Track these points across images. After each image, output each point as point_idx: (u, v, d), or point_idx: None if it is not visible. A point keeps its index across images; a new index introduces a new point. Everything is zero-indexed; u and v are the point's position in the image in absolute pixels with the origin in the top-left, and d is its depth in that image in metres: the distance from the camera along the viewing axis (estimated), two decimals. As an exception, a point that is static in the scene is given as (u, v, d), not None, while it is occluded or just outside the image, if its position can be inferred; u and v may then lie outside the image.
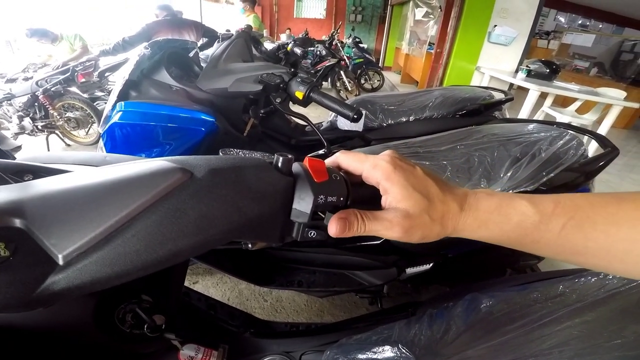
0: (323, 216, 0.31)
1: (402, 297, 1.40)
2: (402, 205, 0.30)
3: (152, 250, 0.24)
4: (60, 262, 0.22)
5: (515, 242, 0.32)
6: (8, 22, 5.49)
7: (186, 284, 1.57)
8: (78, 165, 0.50)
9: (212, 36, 3.12)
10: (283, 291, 1.56)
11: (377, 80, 6.19)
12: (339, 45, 5.86)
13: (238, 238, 0.29)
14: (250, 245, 0.33)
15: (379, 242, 0.92)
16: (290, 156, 0.31)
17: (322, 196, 0.29)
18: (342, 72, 5.16)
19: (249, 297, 1.54)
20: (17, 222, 0.22)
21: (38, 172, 0.42)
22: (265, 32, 6.15)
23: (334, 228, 0.30)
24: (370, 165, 0.32)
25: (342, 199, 0.31)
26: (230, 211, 0.27)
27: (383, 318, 0.78)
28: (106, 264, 0.23)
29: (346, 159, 0.34)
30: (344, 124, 1.49)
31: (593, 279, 0.52)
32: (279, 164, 0.31)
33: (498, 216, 0.31)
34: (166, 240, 0.25)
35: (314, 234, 0.31)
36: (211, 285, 1.60)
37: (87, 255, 0.23)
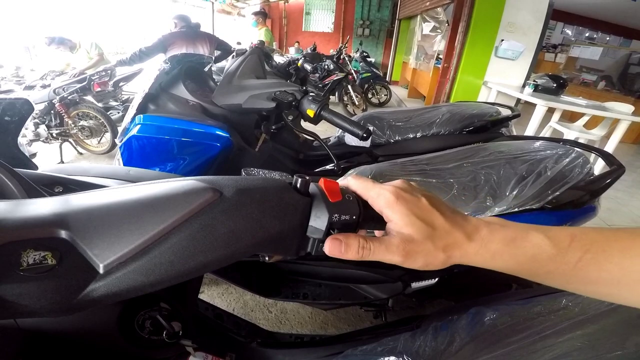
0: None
1: (407, 311, 1.40)
2: (405, 231, 0.32)
3: (184, 262, 0.27)
4: (101, 270, 0.25)
5: (528, 272, 0.33)
6: (27, 29, 5.67)
7: (193, 293, 1.58)
8: (104, 178, 0.53)
9: (224, 49, 3.22)
10: (288, 303, 1.56)
11: (385, 95, 6.22)
12: (346, 59, 5.93)
13: (260, 251, 0.32)
14: (267, 258, 0.36)
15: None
16: (307, 178, 0.34)
17: (336, 215, 0.32)
18: (349, 87, 5.18)
19: (254, 308, 1.55)
20: (63, 234, 0.25)
21: (67, 184, 0.46)
22: (274, 45, 6.27)
23: (327, 248, 0.32)
24: (375, 194, 0.34)
25: (354, 217, 0.33)
26: (255, 227, 0.30)
27: (388, 331, 0.79)
28: (142, 274, 0.26)
29: (355, 184, 0.36)
30: (351, 139, 1.51)
31: None
32: (298, 185, 0.34)
33: (513, 248, 0.32)
34: (198, 252, 0.27)
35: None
36: (217, 295, 1.61)
37: (126, 265, 0.25)
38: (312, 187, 0.35)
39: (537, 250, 0.32)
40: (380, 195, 0.34)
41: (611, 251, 0.30)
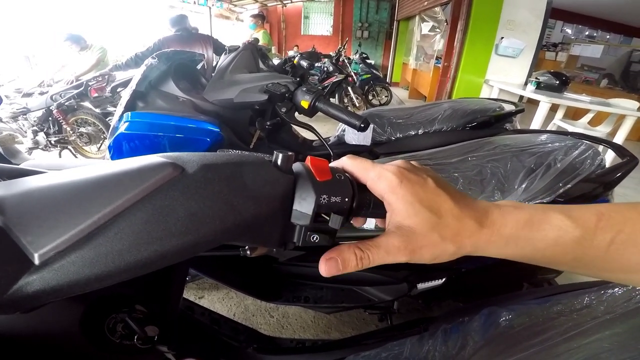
0: (327, 218, 0.28)
1: (413, 313, 1.35)
2: (406, 223, 0.28)
3: (136, 251, 0.22)
4: (36, 261, 0.20)
5: (551, 260, 0.28)
6: (27, 39, 5.70)
7: (192, 298, 1.55)
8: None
9: (222, 51, 3.16)
10: (289, 307, 1.52)
11: (385, 96, 6.18)
12: (346, 61, 5.91)
13: (233, 240, 0.27)
14: (249, 252, 0.31)
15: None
16: (290, 153, 0.29)
17: (324, 196, 0.27)
18: (349, 88, 5.14)
19: (255, 313, 1.51)
20: None
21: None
22: (273, 49, 6.26)
23: (323, 269, 0.28)
24: (375, 175, 0.29)
25: (347, 199, 0.29)
26: (223, 210, 0.25)
27: (393, 334, 0.75)
28: (85, 265, 0.21)
29: (352, 165, 0.31)
30: (351, 138, 1.47)
31: (620, 291, 0.49)
32: (279, 161, 0.29)
33: (530, 232, 0.28)
34: (152, 239, 0.23)
35: (316, 238, 0.29)
36: (217, 300, 1.58)
37: (66, 255, 0.21)
38: (297, 165, 0.30)
39: (559, 232, 0.27)
40: (381, 177, 0.29)
41: None
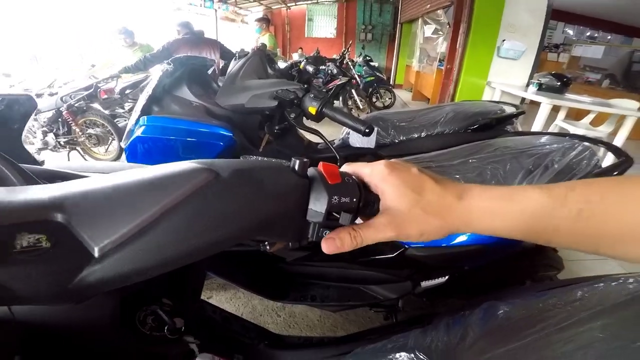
0: (338, 216, 0.33)
1: (418, 311, 1.37)
2: (394, 204, 0.33)
3: (179, 245, 0.26)
4: (96, 254, 0.24)
5: (534, 233, 0.31)
6: (34, 39, 5.74)
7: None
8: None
9: (228, 57, 3.23)
10: (296, 306, 1.54)
11: (389, 98, 6.17)
12: (349, 64, 5.92)
13: (257, 236, 0.31)
14: (268, 247, 0.35)
15: (392, 255, 0.92)
16: (306, 160, 0.34)
17: (335, 197, 0.31)
18: (353, 91, 5.18)
19: (263, 312, 1.53)
20: (58, 217, 0.24)
21: (68, 178, 0.45)
22: (278, 52, 6.30)
23: (324, 247, 0.33)
24: (369, 171, 0.35)
25: (354, 200, 0.33)
26: (250, 209, 0.29)
27: (398, 329, 0.77)
28: (138, 257, 0.25)
29: (349, 167, 0.37)
30: (355, 140, 1.51)
31: (613, 284, 0.51)
32: (296, 167, 0.33)
33: (509, 204, 0.31)
34: (192, 235, 0.26)
35: (327, 233, 0.33)
36: (225, 300, 1.60)
37: (121, 248, 0.24)
38: (311, 170, 0.34)
39: (534, 203, 0.30)
40: (374, 171, 0.34)
41: (616, 198, 0.27)
